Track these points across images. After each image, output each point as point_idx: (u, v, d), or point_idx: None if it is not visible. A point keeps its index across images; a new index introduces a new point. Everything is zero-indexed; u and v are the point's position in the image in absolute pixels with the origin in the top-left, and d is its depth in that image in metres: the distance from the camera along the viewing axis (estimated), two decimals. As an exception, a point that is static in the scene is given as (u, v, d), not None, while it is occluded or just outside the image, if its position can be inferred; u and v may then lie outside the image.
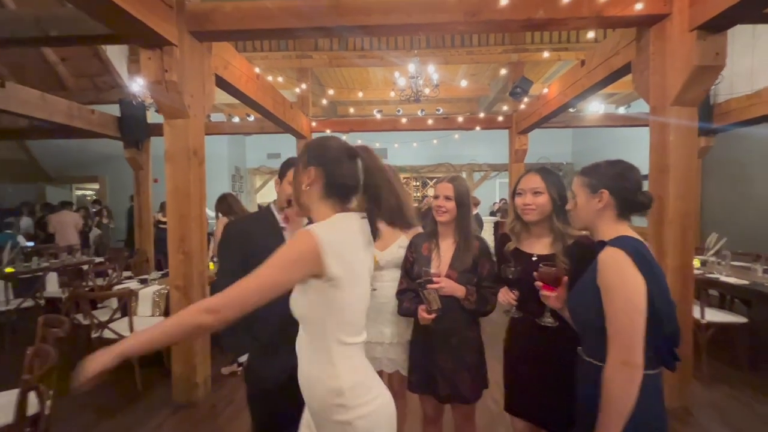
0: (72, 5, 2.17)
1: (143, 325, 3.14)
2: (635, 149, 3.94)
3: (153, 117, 5.68)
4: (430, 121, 6.11)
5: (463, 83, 6.50)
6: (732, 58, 2.39)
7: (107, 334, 2.98)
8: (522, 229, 1.53)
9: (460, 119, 6.14)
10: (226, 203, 3.74)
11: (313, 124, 6.01)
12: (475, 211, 3.06)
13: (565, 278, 1.29)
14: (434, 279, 1.53)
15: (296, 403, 1.15)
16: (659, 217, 2.55)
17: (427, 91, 5.31)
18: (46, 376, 1.68)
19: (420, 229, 1.88)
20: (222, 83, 3.22)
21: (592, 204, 1.18)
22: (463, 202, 1.63)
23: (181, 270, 2.76)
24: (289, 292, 1.05)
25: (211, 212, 4.10)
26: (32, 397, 1.66)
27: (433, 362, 1.62)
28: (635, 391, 1.00)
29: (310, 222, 1.11)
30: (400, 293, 1.72)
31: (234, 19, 2.64)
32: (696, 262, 3.19)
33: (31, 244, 6.36)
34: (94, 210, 8.13)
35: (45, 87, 4.73)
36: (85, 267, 4.89)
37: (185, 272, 2.76)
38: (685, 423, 2.47)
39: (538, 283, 1.31)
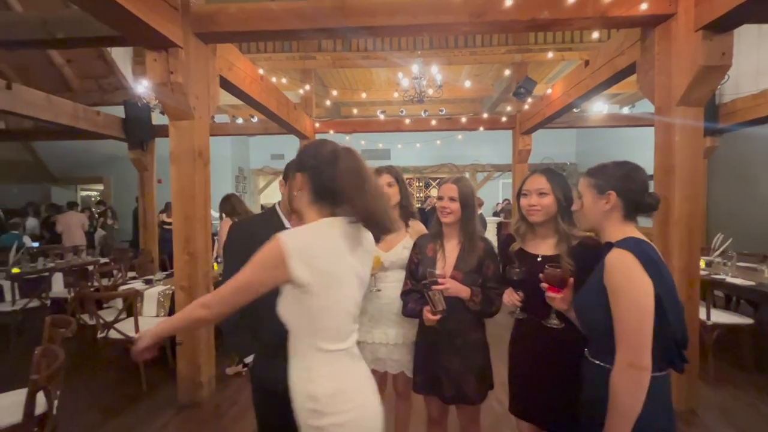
0: (78, 7, 2.19)
1: (148, 325, 3.15)
2: (639, 149, 3.93)
3: (157, 118, 5.72)
4: (433, 122, 6.10)
5: (467, 84, 6.49)
6: (737, 58, 2.37)
7: (113, 334, 2.99)
8: (527, 230, 1.52)
9: (464, 120, 6.13)
10: (229, 204, 3.76)
11: (317, 125, 6.02)
12: (478, 212, 3.06)
13: (571, 280, 1.29)
14: (439, 280, 1.53)
15: None
16: (665, 218, 2.54)
17: (430, 91, 5.31)
18: (53, 376, 1.69)
19: (424, 230, 1.89)
20: (226, 84, 3.23)
21: (599, 205, 1.17)
22: (468, 203, 1.63)
23: (186, 270, 2.78)
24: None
25: (215, 213, 4.12)
26: (39, 396, 1.67)
27: (438, 363, 1.62)
28: (643, 393, 1.00)
29: None
30: (405, 294, 1.72)
31: (238, 20, 2.65)
32: (701, 263, 3.17)
33: (36, 244, 6.41)
34: (98, 211, 8.18)
35: (50, 88, 4.78)
36: (90, 267, 4.93)
37: (190, 273, 2.77)
38: (691, 424, 2.46)
39: (544, 285, 1.30)
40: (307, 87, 5.82)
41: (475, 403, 1.63)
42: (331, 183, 1.05)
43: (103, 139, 5.64)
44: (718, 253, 4.00)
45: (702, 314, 3.01)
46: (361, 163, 1.09)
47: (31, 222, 7.19)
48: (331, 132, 6.22)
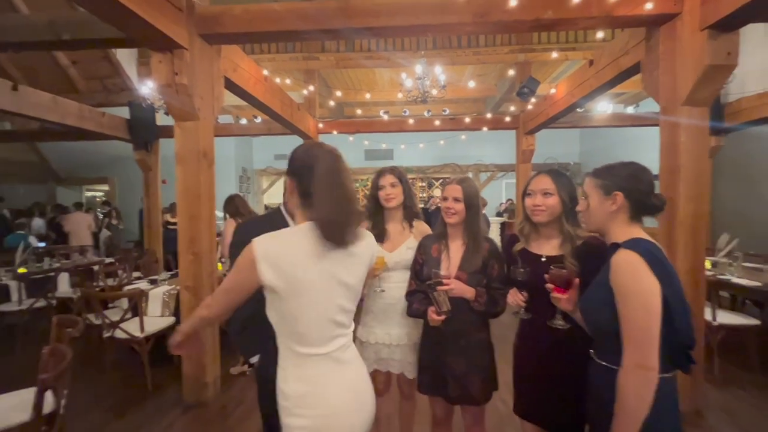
0: (85, 9, 2.21)
1: (153, 324, 3.18)
2: (644, 149, 3.91)
3: (162, 119, 5.75)
4: (437, 122, 6.10)
5: (471, 84, 6.48)
6: (743, 57, 2.36)
7: (119, 333, 3.01)
8: (531, 231, 1.52)
9: (467, 120, 6.12)
10: (233, 205, 3.78)
11: (320, 125, 6.04)
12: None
13: (577, 280, 1.28)
14: (444, 281, 1.53)
15: None
16: (670, 218, 2.53)
17: (434, 92, 5.31)
18: (61, 375, 1.70)
19: (429, 231, 1.89)
20: (231, 85, 3.24)
21: (606, 206, 1.17)
22: (472, 203, 1.63)
23: (192, 270, 2.79)
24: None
25: (219, 213, 4.14)
26: (48, 395, 1.69)
27: (443, 364, 1.62)
28: (650, 394, 1.00)
29: None
30: (410, 295, 1.73)
31: (243, 21, 2.66)
32: (707, 264, 3.15)
33: (43, 244, 6.46)
34: (103, 211, 8.24)
35: (56, 90, 4.81)
36: (96, 268, 4.96)
37: (195, 273, 2.79)
38: (697, 426, 2.45)
39: (549, 285, 1.30)
40: (311, 88, 5.83)
41: (479, 404, 1.63)
42: (309, 187, 1.06)
43: (108, 139, 5.67)
44: (723, 253, 3.98)
45: (707, 315, 2.99)
46: (336, 169, 1.07)
47: (37, 222, 7.25)
48: (335, 132, 6.23)
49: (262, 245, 1.01)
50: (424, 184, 10.76)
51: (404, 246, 1.85)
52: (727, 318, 3.17)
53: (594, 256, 1.32)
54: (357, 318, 1.93)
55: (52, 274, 4.45)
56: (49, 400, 1.71)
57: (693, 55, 2.38)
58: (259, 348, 1.49)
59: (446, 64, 5.71)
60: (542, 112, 5.16)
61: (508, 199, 9.51)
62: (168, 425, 2.55)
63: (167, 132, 5.68)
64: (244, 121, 6.47)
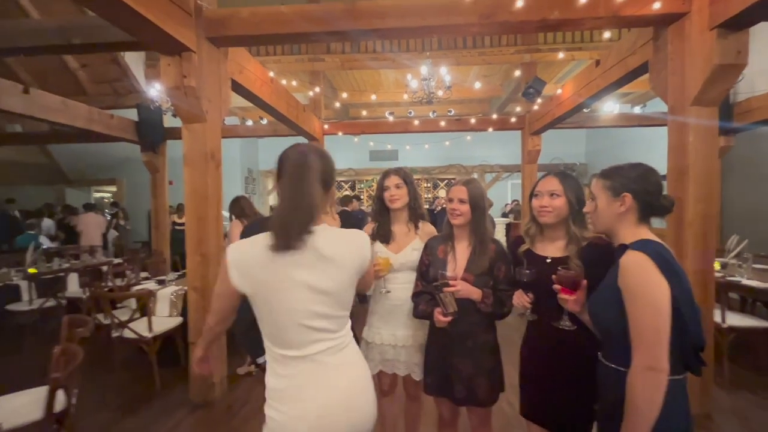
0: (95, 14, 2.24)
1: (161, 324, 3.21)
2: (651, 149, 3.88)
3: (169, 121, 5.81)
4: (442, 123, 6.10)
5: (476, 85, 6.47)
6: (752, 56, 2.33)
7: (127, 333, 3.04)
8: (536, 232, 1.52)
9: (473, 120, 6.11)
10: (239, 206, 3.80)
11: (326, 126, 6.06)
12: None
13: (584, 282, 1.28)
14: (450, 282, 1.53)
15: None
16: (678, 220, 2.50)
17: (439, 93, 5.31)
18: (72, 374, 1.73)
19: (434, 232, 1.89)
20: (237, 87, 3.27)
21: (614, 207, 1.17)
22: (478, 205, 1.63)
23: (199, 271, 2.82)
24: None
25: (225, 213, 4.17)
26: (59, 394, 1.71)
27: (449, 365, 1.62)
28: (661, 396, 0.99)
29: None
30: (416, 296, 1.73)
31: (250, 24, 2.69)
32: (716, 265, 3.11)
33: (55, 245, 6.57)
34: (111, 212, 8.33)
35: (66, 92, 4.88)
36: (104, 268, 5.02)
37: (203, 274, 2.81)
38: (707, 429, 2.42)
39: (557, 287, 1.30)
40: (317, 89, 5.85)
41: (486, 405, 1.63)
42: (279, 189, 1.09)
43: (117, 141, 5.73)
44: (733, 254, 3.93)
45: (717, 317, 2.96)
46: (294, 170, 1.04)
47: (47, 223, 7.35)
48: (340, 133, 6.25)
49: (233, 251, 1.06)
50: (429, 184, 10.75)
51: (410, 247, 1.85)
52: (736, 320, 3.13)
53: (599, 258, 1.31)
54: (363, 319, 1.96)
55: (62, 274, 4.51)
56: (60, 399, 1.73)
57: (702, 54, 2.36)
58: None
59: (451, 65, 5.71)
60: (548, 112, 5.13)
61: (514, 200, 9.48)
62: (175, 424, 2.58)
63: (174, 134, 5.74)
64: (250, 123, 6.52)
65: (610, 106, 6.03)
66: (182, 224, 6.31)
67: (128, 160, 8.32)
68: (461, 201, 1.64)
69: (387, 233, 1.89)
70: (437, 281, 1.55)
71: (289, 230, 1.00)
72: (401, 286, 1.82)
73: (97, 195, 10.72)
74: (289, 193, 1.03)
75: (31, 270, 4.46)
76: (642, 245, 1.07)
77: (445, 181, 10.64)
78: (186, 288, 3.32)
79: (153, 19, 2.14)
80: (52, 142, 7.68)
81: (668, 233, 2.56)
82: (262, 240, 1.03)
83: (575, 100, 4.27)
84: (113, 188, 9.77)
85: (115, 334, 3.10)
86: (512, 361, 1.62)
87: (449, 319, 1.53)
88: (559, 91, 4.76)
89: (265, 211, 9.09)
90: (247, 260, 1.04)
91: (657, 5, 2.42)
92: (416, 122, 6.13)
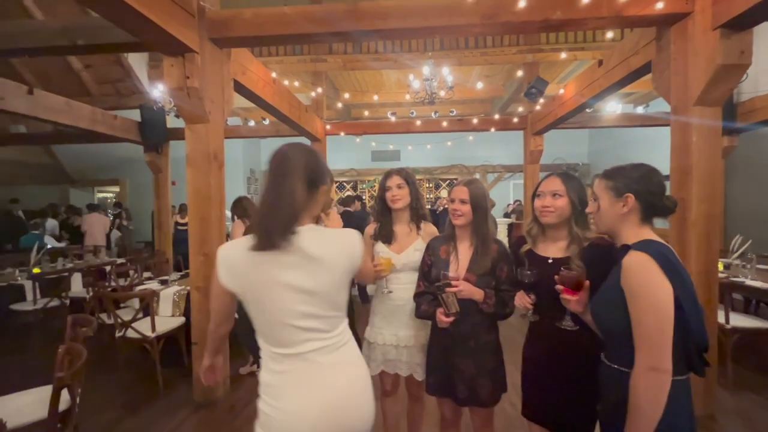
0: (98, 15, 2.25)
1: (164, 324, 3.22)
2: (654, 149, 3.87)
3: (172, 121, 5.83)
4: (444, 123, 6.09)
5: (479, 85, 6.46)
6: (756, 56, 2.32)
7: (130, 333, 3.06)
8: (538, 232, 1.52)
9: (475, 121, 6.11)
10: (241, 206, 3.82)
11: (328, 126, 6.07)
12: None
13: (587, 282, 1.28)
14: (452, 282, 1.53)
15: None
16: (682, 220, 2.50)
17: (442, 93, 5.31)
18: (77, 374, 1.74)
19: (436, 232, 1.89)
20: (240, 88, 3.28)
21: (617, 208, 1.16)
22: (479, 205, 1.63)
23: (202, 272, 2.83)
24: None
25: (229, 214, 4.19)
26: (63, 393, 1.72)
27: (451, 365, 1.62)
28: (664, 397, 0.99)
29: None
30: (418, 296, 1.73)
31: (253, 25, 2.69)
32: (720, 266, 3.10)
33: (63, 245, 6.61)
34: (114, 213, 8.37)
35: (69, 93, 4.91)
36: (108, 268, 5.04)
37: (205, 274, 2.82)
38: (710, 430, 2.41)
39: (559, 287, 1.30)
40: (319, 90, 5.86)
41: (488, 406, 1.62)
42: None
43: (120, 142, 5.76)
44: (736, 255, 3.92)
45: (720, 318, 2.95)
46: (274, 170, 1.04)
47: (50, 223, 7.39)
48: (342, 134, 6.26)
49: (222, 251, 1.07)
50: (431, 185, 10.75)
51: (412, 248, 1.86)
52: (740, 321, 3.12)
53: (600, 258, 1.31)
54: (365, 319, 1.96)
55: (66, 274, 4.54)
56: (64, 398, 1.74)
57: (705, 54, 2.35)
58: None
59: (454, 65, 5.71)
60: (550, 112, 5.12)
61: (516, 200, 9.46)
62: (178, 424, 2.59)
63: (177, 134, 5.76)
64: (252, 123, 6.53)
65: (612, 106, 6.01)
66: (185, 224, 6.34)
67: (131, 161, 8.36)
68: (462, 201, 1.64)
69: (389, 233, 1.89)
70: (439, 281, 1.55)
71: (269, 230, 0.99)
72: (403, 287, 1.83)
73: (100, 195, 10.77)
74: (269, 193, 1.03)
75: (35, 270, 4.49)
76: (644, 246, 1.07)
77: (447, 182, 10.63)
78: (189, 288, 3.34)
79: (156, 21, 2.15)
80: (55, 142, 7.72)
81: (672, 234, 2.56)
82: (250, 240, 1.03)
83: (578, 100, 4.26)
84: (116, 188, 9.81)
85: (118, 333, 3.11)
86: (515, 362, 1.62)
87: (451, 319, 1.53)
88: (562, 91, 4.76)
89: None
90: (235, 260, 1.05)
91: (660, 5, 2.41)
92: (418, 122, 6.13)
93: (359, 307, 4.78)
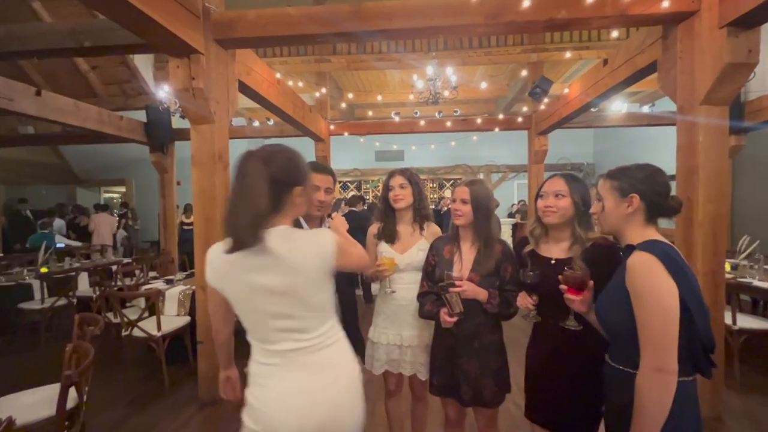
0: (105, 17, 2.28)
1: (170, 323, 3.25)
2: (660, 149, 3.84)
3: (177, 122, 5.87)
4: (448, 123, 6.09)
5: (483, 85, 6.45)
6: (764, 55, 2.30)
7: (136, 332, 3.09)
8: (541, 233, 1.52)
9: (479, 121, 6.09)
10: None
11: (332, 127, 6.08)
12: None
13: (591, 282, 1.27)
14: (456, 282, 1.53)
15: None
16: (688, 220, 2.48)
17: (445, 93, 5.30)
18: (84, 372, 1.76)
19: (440, 233, 1.89)
20: (245, 89, 3.30)
21: (621, 208, 1.16)
22: (480, 205, 1.62)
23: (207, 271, 2.84)
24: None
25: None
26: (71, 391, 1.74)
27: (456, 366, 1.62)
28: (670, 398, 0.98)
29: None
30: (422, 296, 1.73)
31: (257, 26, 2.71)
32: (727, 266, 3.07)
33: (78, 243, 6.69)
34: (120, 212, 8.45)
35: (77, 94, 4.96)
36: (114, 267, 5.09)
37: (210, 273, 2.84)
38: (717, 432, 2.39)
39: (563, 287, 1.30)
40: (323, 90, 5.88)
41: (492, 407, 1.62)
42: None
43: (126, 142, 5.81)
44: (744, 255, 3.87)
45: (727, 319, 2.92)
46: (238, 173, 1.04)
47: (58, 222, 7.47)
48: (346, 134, 6.27)
49: (209, 252, 1.10)
50: (435, 185, 10.73)
51: (415, 248, 1.86)
52: (747, 322, 3.09)
53: (603, 258, 1.31)
54: (369, 319, 1.96)
55: (73, 273, 4.58)
56: (72, 396, 1.76)
57: (712, 53, 2.33)
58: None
59: (457, 65, 5.70)
60: (555, 112, 5.10)
61: (520, 200, 9.42)
62: (184, 422, 2.61)
63: (183, 134, 5.80)
64: (256, 124, 6.56)
65: (618, 106, 5.97)
66: (190, 224, 6.38)
67: (137, 161, 8.43)
68: (463, 201, 1.64)
69: (392, 233, 1.89)
70: (443, 281, 1.55)
71: (234, 232, 1.00)
72: (406, 287, 1.83)
73: (107, 195, 10.87)
74: (232, 194, 1.03)
75: (43, 269, 4.54)
76: (649, 246, 1.07)
77: (451, 182, 10.61)
78: (194, 287, 3.36)
79: (162, 22, 2.16)
80: (63, 143, 7.81)
81: (678, 234, 2.54)
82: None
83: (582, 100, 4.24)
84: (122, 188, 9.90)
85: (124, 332, 3.14)
86: (519, 362, 1.62)
87: (455, 319, 1.53)
88: (566, 90, 4.73)
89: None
90: (217, 260, 1.07)
91: (666, 4, 2.40)
92: (422, 122, 6.13)
93: (363, 307, 4.79)
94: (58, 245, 5.89)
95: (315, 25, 2.67)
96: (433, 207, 7.34)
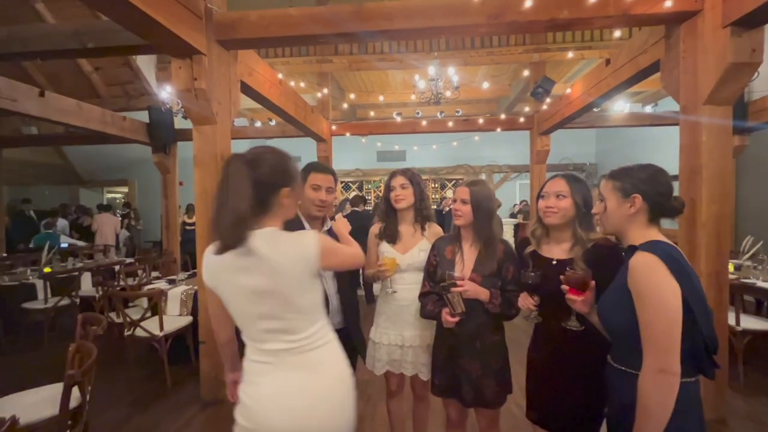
0: (108, 18, 2.29)
1: (172, 323, 3.26)
2: (663, 149, 3.82)
3: (179, 122, 5.89)
4: (450, 123, 6.08)
5: (485, 85, 6.44)
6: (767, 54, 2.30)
7: (139, 332, 3.09)
8: (543, 234, 1.52)
9: (481, 121, 6.08)
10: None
11: (333, 127, 6.09)
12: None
13: (593, 282, 1.27)
14: (458, 282, 1.53)
15: None
16: (691, 220, 2.46)
17: (447, 93, 5.29)
18: (87, 371, 1.76)
19: (442, 233, 1.89)
20: (247, 89, 3.30)
21: (624, 209, 1.15)
22: (480, 206, 1.62)
23: (209, 271, 2.85)
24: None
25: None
26: (74, 391, 1.75)
27: (457, 366, 1.62)
28: (672, 399, 0.98)
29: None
30: (423, 296, 1.73)
31: (259, 27, 2.71)
32: (730, 267, 3.06)
33: (82, 243, 6.72)
34: (122, 213, 8.48)
35: (80, 95, 4.98)
36: (117, 267, 5.10)
37: (212, 273, 2.84)
38: (721, 434, 2.38)
39: (565, 287, 1.29)
40: (325, 90, 5.88)
41: (493, 407, 1.62)
42: None
43: (129, 143, 5.84)
44: (747, 256, 3.86)
45: (731, 320, 2.90)
46: (222, 173, 1.06)
47: (61, 222, 7.51)
48: (348, 134, 6.27)
49: (205, 252, 1.12)
50: (436, 185, 10.73)
51: (417, 248, 1.86)
52: (751, 323, 3.07)
53: (605, 259, 1.31)
54: (371, 319, 1.96)
55: (76, 273, 4.60)
56: (75, 395, 1.77)
57: (715, 52, 2.32)
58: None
59: (459, 65, 5.69)
60: (557, 112, 5.09)
61: (522, 201, 9.40)
62: (186, 422, 2.61)
63: (185, 135, 5.82)
64: (258, 124, 6.57)
65: (620, 106, 5.95)
66: (192, 224, 6.40)
67: (140, 162, 8.46)
68: (463, 201, 1.64)
69: (393, 233, 1.89)
70: (445, 281, 1.55)
71: (218, 233, 1.02)
72: (408, 287, 1.83)
73: (110, 196, 10.92)
74: (216, 199, 1.04)
75: (46, 269, 4.56)
76: (651, 246, 1.06)
77: (453, 182, 10.60)
78: (196, 287, 3.37)
79: (164, 23, 2.17)
80: (66, 143, 7.84)
81: (681, 235, 2.52)
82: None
83: (585, 100, 4.22)
84: (125, 189, 9.94)
85: (127, 332, 3.15)
86: (520, 363, 1.61)
87: (457, 319, 1.53)
88: (569, 90, 4.72)
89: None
90: (210, 261, 1.10)
91: (668, 3, 2.39)
92: (424, 123, 6.13)
93: (365, 307, 4.79)
94: (63, 245, 5.91)
95: (317, 25, 2.68)
96: (435, 207, 7.35)
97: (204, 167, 2.84)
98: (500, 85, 7.65)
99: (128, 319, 3.11)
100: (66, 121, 4.43)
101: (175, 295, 3.52)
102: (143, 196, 9.30)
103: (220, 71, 2.77)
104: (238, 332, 1.22)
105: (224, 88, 2.85)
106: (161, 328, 3.08)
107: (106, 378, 3.15)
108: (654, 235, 1.13)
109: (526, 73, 5.94)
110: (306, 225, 1.70)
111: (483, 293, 1.57)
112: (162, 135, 5.81)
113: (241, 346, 1.22)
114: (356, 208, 5.40)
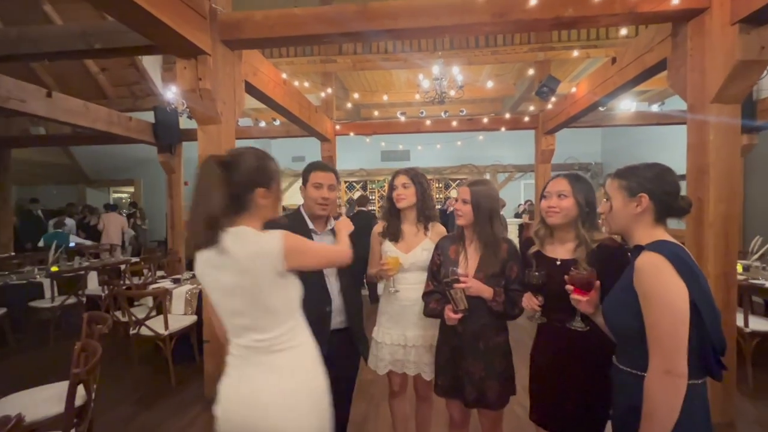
0: (115, 19, 2.30)
1: (177, 322, 3.27)
2: (670, 148, 3.78)
3: (185, 123, 5.92)
4: (454, 123, 6.06)
5: (489, 84, 6.41)
6: (778, 52, 2.26)
7: (144, 331, 3.11)
8: (546, 234, 1.51)
9: (485, 120, 6.06)
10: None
11: (337, 127, 6.09)
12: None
13: (598, 282, 1.26)
14: (461, 278, 1.52)
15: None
16: (699, 220, 2.43)
17: (451, 92, 5.28)
18: (92, 370, 1.78)
19: (445, 233, 1.89)
20: (251, 89, 3.31)
21: (630, 208, 1.14)
22: (481, 206, 1.61)
23: (213, 270, 2.86)
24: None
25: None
26: (79, 389, 1.76)
27: (460, 367, 1.61)
28: (679, 401, 0.96)
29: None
30: (427, 295, 1.72)
31: (264, 27, 2.72)
32: (739, 267, 3.02)
33: (90, 242, 6.79)
34: (128, 212, 8.55)
35: (87, 96, 5.03)
36: (122, 267, 5.15)
37: (217, 272, 2.86)
38: (728, 437, 2.35)
39: (569, 287, 1.28)
40: (329, 90, 5.89)
41: (496, 408, 1.61)
42: None
43: (135, 143, 5.88)
44: (756, 256, 3.80)
45: (739, 321, 2.86)
46: (198, 172, 1.09)
47: (69, 222, 7.58)
48: (352, 134, 6.28)
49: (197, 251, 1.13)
50: (440, 185, 10.70)
51: (420, 247, 1.85)
52: (760, 324, 3.03)
53: (610, 259, 1.30)
54: (373, 319, 1.96)
55: (82, 272, 4.64)
56: (80, 394, 1.78)
57: (723, 50, 2.29)
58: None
59: (463, 64, 5.67)
60: (562, 111, 5.05)
61: (527, 200, 9.35)
62: (191, 420, 2.62)
63: (190, 135, 5.85)
64: (263, 124, 6.60)
65: (626, 105, 5.90)
66: (197, 224, 6.41)
67: (145, 161, 8.52)
68: (464, 201, 1.64)
69: (396, 232, 1.89)
70: (448, 278, 1.54)
71: (192, 234, 1.07)
72: (411, 287, 1.83)
73: (116, 195, 11.01)
74: (191, 199, 1.08)
75: (54, 268, 4.61)
76: (658, 246, 1.05)
77: (457, 182, 10.57)
78: (200, 286, 3.38)
79: (170, 23, 2.18)
80: (73, 143, 7.92)
81: (689, 235, 2.50)
82: None
83: (590, 99, 4.19)
84: (131, 188, 10.02)
85: (132, 331, 3.18)
86: (525, 364, 1.60)
87: (459, 316, 1.52)
88: (574, 89, 4.69)
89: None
90: (197, 257, 1.13)
91: (676, 1, 2.36)
92: (428, 122, 6.11)
93: (368, 307, 4.79)
94: (71, 244, 5.96)
95: (321, 25, 2.68)
96: (439, 207, 7.33)
97: (208, 167, 2.84)
98: (505, 84, 7.62)
99: (133, 317, 3.13)
100: (73, 121, 4.47)
101: (180, 294, 3.54)
102: (149, 196, 9.37)
103: (224, 71, 2.78)
104: None
105: (229, 88, 2.86)
106: (166, 326, 3.10)
107: (111, 376, 3.18)
108: (660, 234, 1.11)
109: (530, 72, 5.92)
110: (309, 224, 1.70)
111: (486, 290, 1.56)
112: (167, 135, 5.84)
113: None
114: (362, 208, 5.42)
